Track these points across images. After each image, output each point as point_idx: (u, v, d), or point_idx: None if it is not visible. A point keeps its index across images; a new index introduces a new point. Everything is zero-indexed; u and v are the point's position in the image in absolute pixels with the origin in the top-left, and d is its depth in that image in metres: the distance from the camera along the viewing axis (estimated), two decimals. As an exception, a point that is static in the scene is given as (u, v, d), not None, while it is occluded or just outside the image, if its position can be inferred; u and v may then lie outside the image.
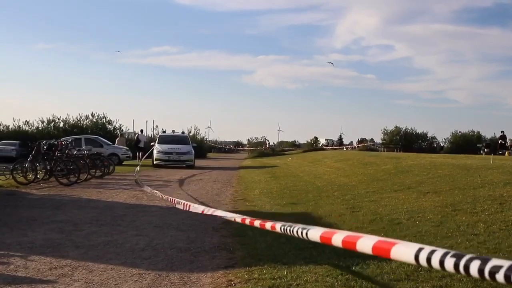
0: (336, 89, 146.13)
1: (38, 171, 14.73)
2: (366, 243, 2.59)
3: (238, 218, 4.98)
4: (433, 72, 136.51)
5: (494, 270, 1.80)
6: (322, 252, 5.73)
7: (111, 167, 18.98)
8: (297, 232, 3.32)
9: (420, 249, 2.19)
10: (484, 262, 1.84)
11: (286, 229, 3.52)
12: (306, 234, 3.17)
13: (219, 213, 5.60)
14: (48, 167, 14.93)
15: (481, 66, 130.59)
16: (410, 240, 6.00)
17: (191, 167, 25.62)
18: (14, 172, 14.23)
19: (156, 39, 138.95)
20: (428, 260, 2.11)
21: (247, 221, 4.66)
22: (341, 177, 16.51)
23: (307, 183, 15.70)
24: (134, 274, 4.94)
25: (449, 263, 1.99)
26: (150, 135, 43.68)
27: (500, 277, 1.76)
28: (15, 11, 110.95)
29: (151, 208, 9.75)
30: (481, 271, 1.84)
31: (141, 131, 33.57)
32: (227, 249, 6.09)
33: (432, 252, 2.11)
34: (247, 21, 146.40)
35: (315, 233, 3.10)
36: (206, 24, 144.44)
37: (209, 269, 5.18)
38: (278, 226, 3.73)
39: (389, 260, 5.29)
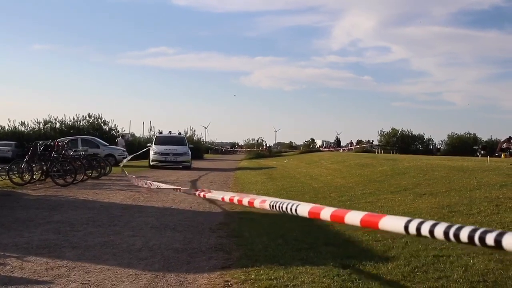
0: (333, 91, 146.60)
1: (34, 172, 14.67)
2: (354, 217, 2.62)
3: (226, 196, 5.10)
4: (430, 74, 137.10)
5: (483, 236, 1.83)
6: (319, 253, 5.74)
7: (108, 168, 18.93)
8: (286, 208, 3.38)
9: (409, 220, 2.21)
10: (473, 230, 1.88)
11: (276, 206, 3.58)
12: (296, 210, 3.22)
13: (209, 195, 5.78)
14: (44, 168, 14.87)
15: (478, 69, 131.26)
16: (407, 241, 6.02)
17: (188, 168, 25.62)
18: (10, 173, 14.18)
19: (153, 40, 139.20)
20: (418, 229, 2.13)
21: (236, 199, 4.77)
22: (337, 178, 16.54)
23: (304, 185, 15.71)
24: (130, 274, 4.93)
25: (439, 232, 2.02)
26: (146, 136, 44.23)
27: (490, 241, 1.80)
28: (10, 12, 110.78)
29: (147, 209, 9.74)
30: (471, 237, 1.87)
31: (122, 136, 35.44)
32: (224, 250, 6.08)
33: (422, 222, 2.13)
34: (244, 22, 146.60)
35: (303, 209, 3.15)
36: (203, 26, 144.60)
37: (205, 270, 5.17)
38: (268, 203, 3.80)
39: (385, 261, 5.31)
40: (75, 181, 14.66)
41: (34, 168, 14.73)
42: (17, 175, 14.42)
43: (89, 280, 4.69)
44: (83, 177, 15.54)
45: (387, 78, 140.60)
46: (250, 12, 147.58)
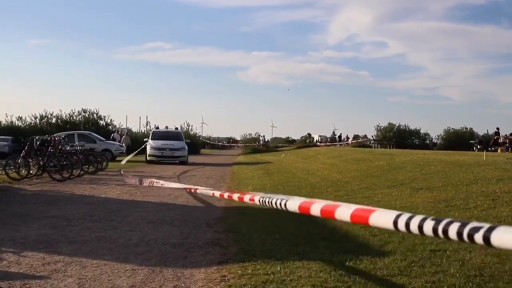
0: (330, 86, 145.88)
1: (31, 167, 14.66)
2: (344, 212, 2.60)
3: (216, 192, 5.17)
4: (427, 69, 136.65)
5: (472, 232, 1.80)
6: (316, 248, 5.75)
7: (104, 163, 18.92)
8: (275, 203, 3.36)
9: (399, 215, 2.19)
10: (462, 225, 1.85)
11: (265, 201, 3.58)
12: (285, 205, 3.20)
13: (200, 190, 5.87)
14: (41, 163, 14.86)
15: (474, 64, 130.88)
16: (404, 236, 6.03)
17: (185, 163, 25.61)
18: (7, 168, 14.16)
19: (150, 35, 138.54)
20: (407, 225, 2.11)
21: (226, 195, 4.82)
22: (334, 173, 16.55)
23: (301, 179, 15.72)
24: (127, 269, 4.93)
25: (428, 228, 2.00)
26: (143, 131, 44.35)
27: (478, 238, 1.77)
28: (7, 7, 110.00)
29: (144, 204, 9.73)
30: (459, 234, 1.84)
31: (117, 131, 35.57)
32: (221, 245, 6.08)
33: (411, 217, 2.11)
34: (241, 17, 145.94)
35: (293, 204, 3.13)
36: (200, 21, 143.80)
37: (202, 265, 5.17)
38: (257, 198, 3.80)
39: (382, 255, 5.32)
40: (72, 176, 14.64)
41: (31, 163, 14.72)
42: (13, 170, 14.40)
43: (86, 275, 4.69)
44: (80, 172, 15.53)
45: (383, 73, 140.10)
46: (247, 7, 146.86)
